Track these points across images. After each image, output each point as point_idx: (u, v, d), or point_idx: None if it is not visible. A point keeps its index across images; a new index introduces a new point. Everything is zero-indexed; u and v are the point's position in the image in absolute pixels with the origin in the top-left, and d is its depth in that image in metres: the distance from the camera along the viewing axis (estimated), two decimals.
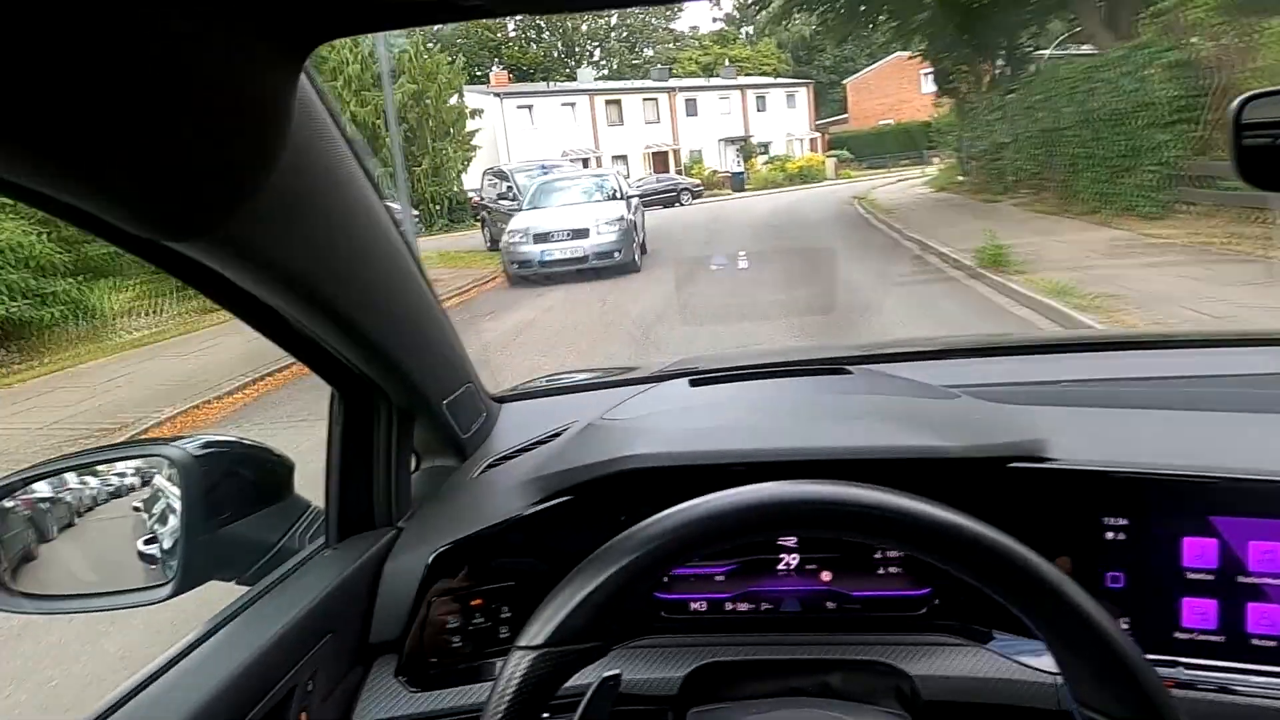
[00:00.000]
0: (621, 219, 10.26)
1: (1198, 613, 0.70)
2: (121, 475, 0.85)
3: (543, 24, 49.60)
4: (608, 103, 36.61)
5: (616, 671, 0.56)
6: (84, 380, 7.09)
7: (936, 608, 0.78)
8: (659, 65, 45.12)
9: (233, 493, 0.82)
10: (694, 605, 0.83)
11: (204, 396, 6.01)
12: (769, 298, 7.27)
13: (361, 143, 0.63)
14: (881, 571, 0.80)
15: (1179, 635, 0.71)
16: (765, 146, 39.40)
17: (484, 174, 17.07)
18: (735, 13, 55.39)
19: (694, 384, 1.05)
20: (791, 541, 0.81)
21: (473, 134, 26.77)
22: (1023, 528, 0.52)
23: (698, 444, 0.84)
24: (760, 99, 41.03)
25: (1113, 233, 8.53)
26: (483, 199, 15.78)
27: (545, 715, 0.49)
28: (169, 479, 0.81)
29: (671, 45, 54.72)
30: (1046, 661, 0.69)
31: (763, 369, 1.09)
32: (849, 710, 0.70)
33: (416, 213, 20.64)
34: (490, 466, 1.00)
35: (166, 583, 0.76)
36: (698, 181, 30.20)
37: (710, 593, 0.82)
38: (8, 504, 0.78)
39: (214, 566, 0.79)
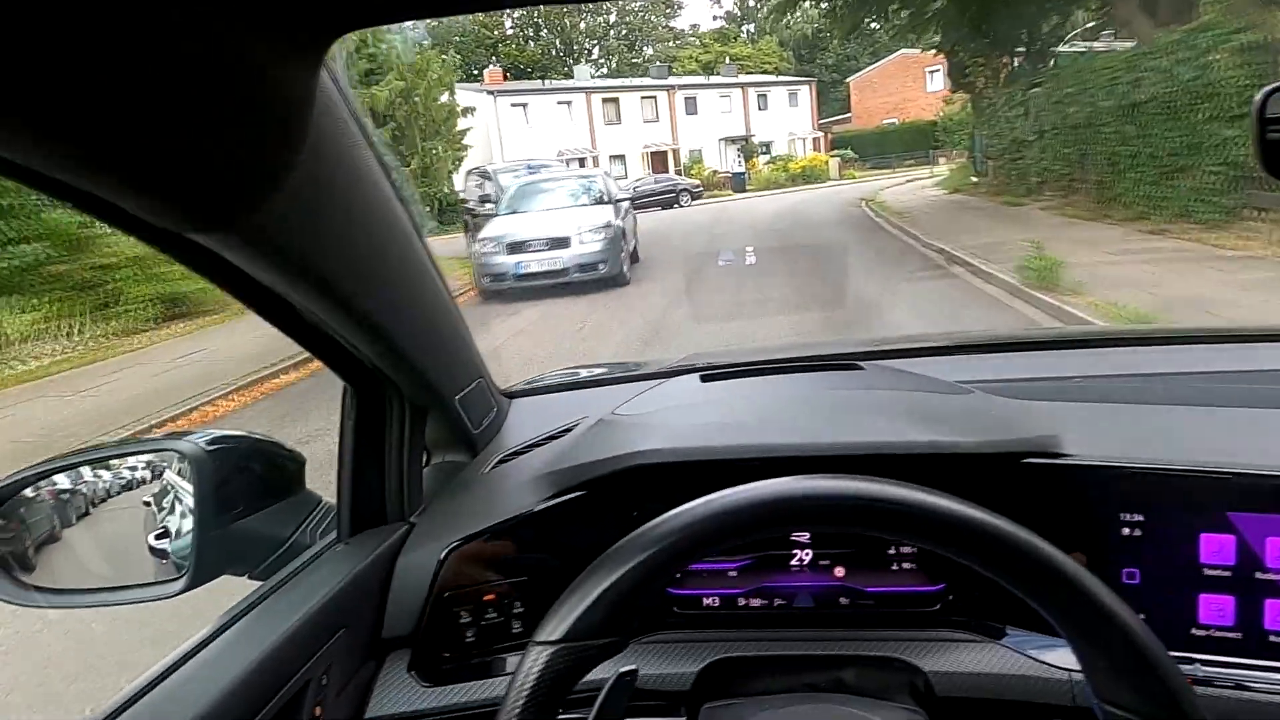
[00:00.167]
0: (608, 226, 9.07)
1: (1215, 609, 0.70)
2: (132, 469, 0.85)
3: (541, 21, 48.96)
4: (605, 101, 35.75)
5: (633, 666, 0.57)
6: None
7: (950, 603, 0.77)
8: (658, 63, 44.20)
9: (244, 488, 0.82)
10: (707, 601, 0.82)
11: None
12: (779, 320, 6.21)
13: (381, 138, 0.61)
14: (895, 568, 0.79)
15: (1196, 632, 0.71)
16: (767, 146, 38.66)
17: (467, 174, 16.08)
18: (737, 10, 55.18)
19: (705, 379, 1.04)
20: (805, 537, 0.80)
21: (464, 133, 25.85)
22: (1038, 524, 0.51)
23: (711, 439, 0.83)
24: (762, 97, 40.20)
25: (1174, 243, 7.42)
26: (465, 201, 14.74)
27: (562, 710, 0.50)
28: (179, 474, 0.82)
29: (672, 43, 54.17)
30: (1060, 657, 0.69)
31: (774, 364, 1.09)
32: (864, 705, 0.69)
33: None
34: (501, 462, 0.99)
35: (179, 577, 0.76)
36: (697, 182, 29.49)
37: (723, 588, 0.82)
38: (29, 493, 0.79)
39: (226, 561, 0.79)
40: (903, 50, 41.75)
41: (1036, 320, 5.71)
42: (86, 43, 0.32)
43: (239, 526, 0.79)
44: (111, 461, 0.86)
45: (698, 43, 53.26)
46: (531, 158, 19.91)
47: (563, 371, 1.42)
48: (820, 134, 40.71)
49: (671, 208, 25.76)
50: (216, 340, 8.07)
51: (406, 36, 23.01)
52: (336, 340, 0.72)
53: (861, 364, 1.04)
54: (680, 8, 54.98)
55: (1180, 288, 5.60)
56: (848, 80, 44.38)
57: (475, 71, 36.23)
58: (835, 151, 36.31)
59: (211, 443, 0.80)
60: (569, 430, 1.00)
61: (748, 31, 56.13)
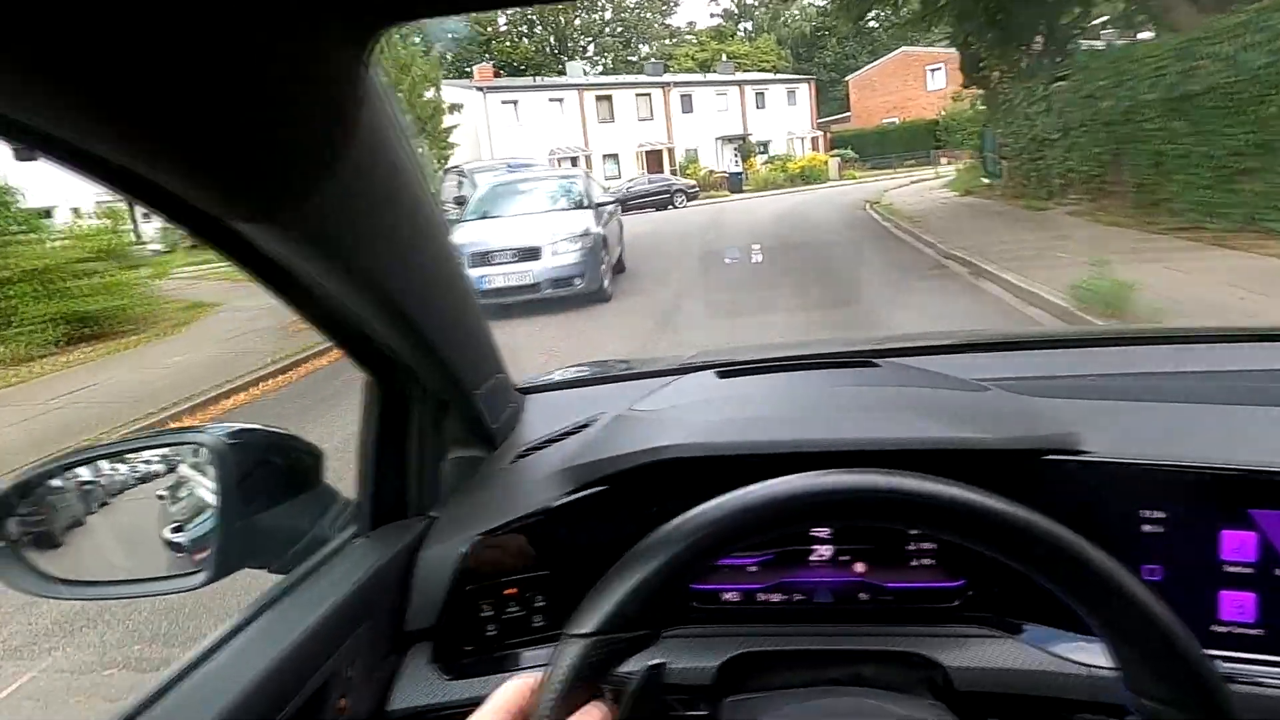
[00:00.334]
0: (586, 234, 7.89)
1: (1236, 606, 0.70)
2: (147, 463, 0.85)
3: (535, 18, 47.90)
4: (598, 99, 34.81)
5: (661, 660, 0.57)
6: None
7: (970, 599, 0.77)
8: (653, 60, 43.21)
9: (265, 481, 0.81)
10: (726, 595, 0.82)
11: None
12: (787, 341, 5.11)
13: (412, 131, 0.47)
14: (915, 563, 0.78)
15: (1217, 628, 0.70)
16: (764, 145, 37.88)
17: (444, 173, 15.00)
18: (734, 7, 54.29)
19: (722, 375, 1.04)
20: (825, 533, 0.80)
21: (450, 130, 24.77)
22: (1058, 520, 0.52)
23: (734, 434, 0.83)
24: (759, 96, 39.34)
25: (1262, 262, 6.22)
26: (443, 202, 13.65)
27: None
28: (195, 467, 0.83)
29: (668, 41, 53.41)
30: (1079, 652, 0.70)
31: (790, 361, 1.09)
32: (885, 699, 0.70)
33: None
34: (519, 457, 0.98)
35: (200, 570, 0.76)
36: (693, 182, 28.67)
37: (743, 583, 0.81)
38: (57, 483, 0.80)
39: (247, 554, 0.78)
40: (903, 48, 41.35)
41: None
42: (147, 31, 0.34)
43: (260, 520, 0.79)
44: (132, 455, 0.85)
45: (694, 40, 52.64)
46: (513, 157, 18.86)
47: (575, 368, 1.38)
48: (819, 133, 39.96)
49: (666, 209, 25.11)
50: (119, 371, 7.02)
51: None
52: (363, 332, 0.73)
53: (876, 361, 1.03)
54: (676, 5, 54.14)
55: None
56: (847, 79, 43.77)
57: (466, 69, 35.15)
58: (835, 151, 35.61)
59: (233, 435, 0.79)
60: (586, 426, 0.99)
61: (745, 29, 55.69)
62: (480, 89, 31.39)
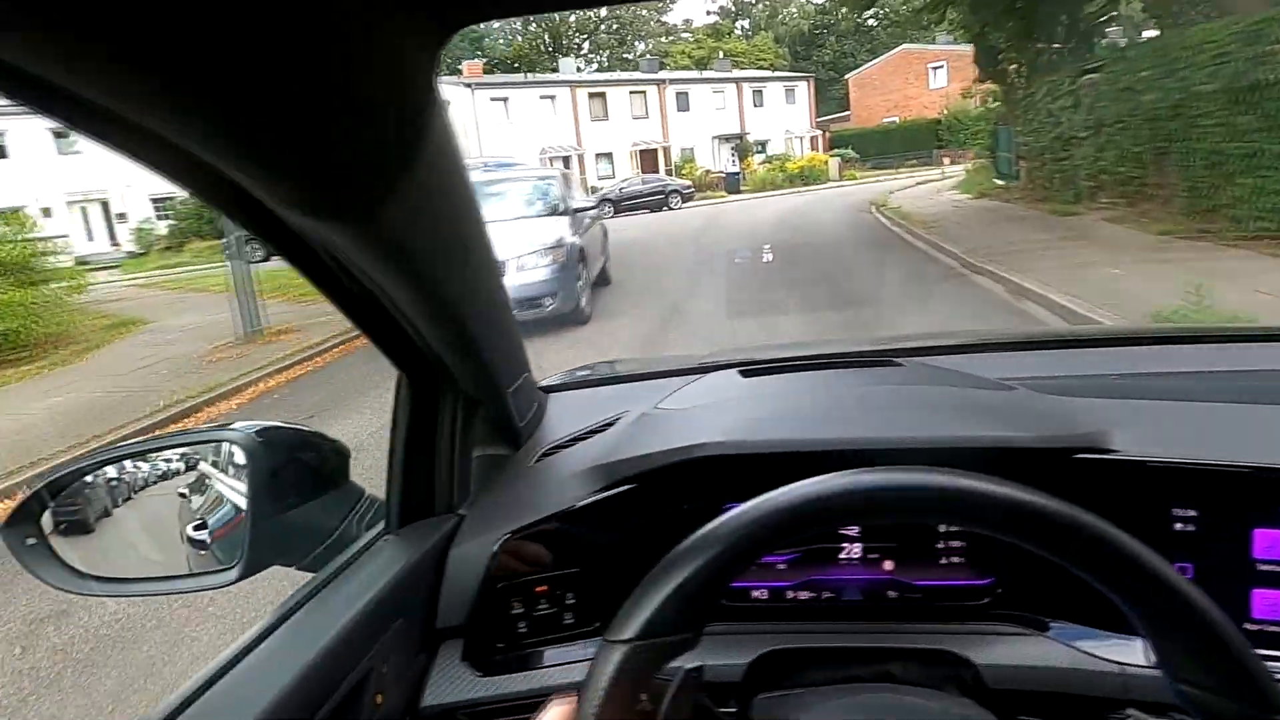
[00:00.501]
0: (559, 245, 6.72)
1: (1268, 604, 0.70)
2: (168, 461, 0.86)
3: (530, 15, 46.68)
4: (591, 96, 33.75)
5: (699, 663, 0.56)
6: None
7: (1000, 597, 0.77)
8: (648, 57, 42.22)
9: (294, 478, 0.82)
10: (755, 594, 0.82)
11: None
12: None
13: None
14: (944, 561, 0.78)
15: (1249, 626, 0.71)
16: (762, 145, 36.92)
17: None
18: (731, 5, 53.40)
19: (745, 374, 1.04)
20: (854, 531, 0.80)
21: None
22: None
23: (764, 433, 0.83)
24: (757, 93, 38.35)
25: None
26: None
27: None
28: (215, 464, 0.83)
29: (664, 39, 52.46)
30: (1110, 650, 0.70)
31: (814, 360, 1.09)
32: (923, 696, 0.69)
33: None
34: (545, 455, 0.98)
35: (232, 566, 0.76)
36: (688, 183, 27.68)
37: (772, 580, 0.81)
38: (89, 479, 0.80)
39: (277, 552, 0.79)
40: (904, 46, 40.63)
41: None
42: (237, 30, 0.34)
43: (289, 517, 0.79)
44: (158, 453, 0.85)
45: (691, 38, 51.70)
46: (493, 156, 17.73)
47: (596, 366, 1.39)
48: (818, 132, 39.01)
49: (660, 210, 24.21)
50: None
51: None
52: (403, 331, 0.73)
53: (899, 360, 1.03)
54: (673, 2, 53.10)
55: None
56: (846, 77, 42.92)
57: (455, 65, 34.05)
58: (835, 151, 34.69)
59: (262, 433, 0.79)
60: (610, 424, 0.99)
61: (742, 27, 54.81)
62: (469, 85, 30.39)
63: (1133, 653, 0.67)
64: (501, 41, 47.00)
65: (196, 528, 0.83)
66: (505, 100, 31.15)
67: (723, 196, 27.82)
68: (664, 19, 53.82)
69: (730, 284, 8.19)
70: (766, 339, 5.60)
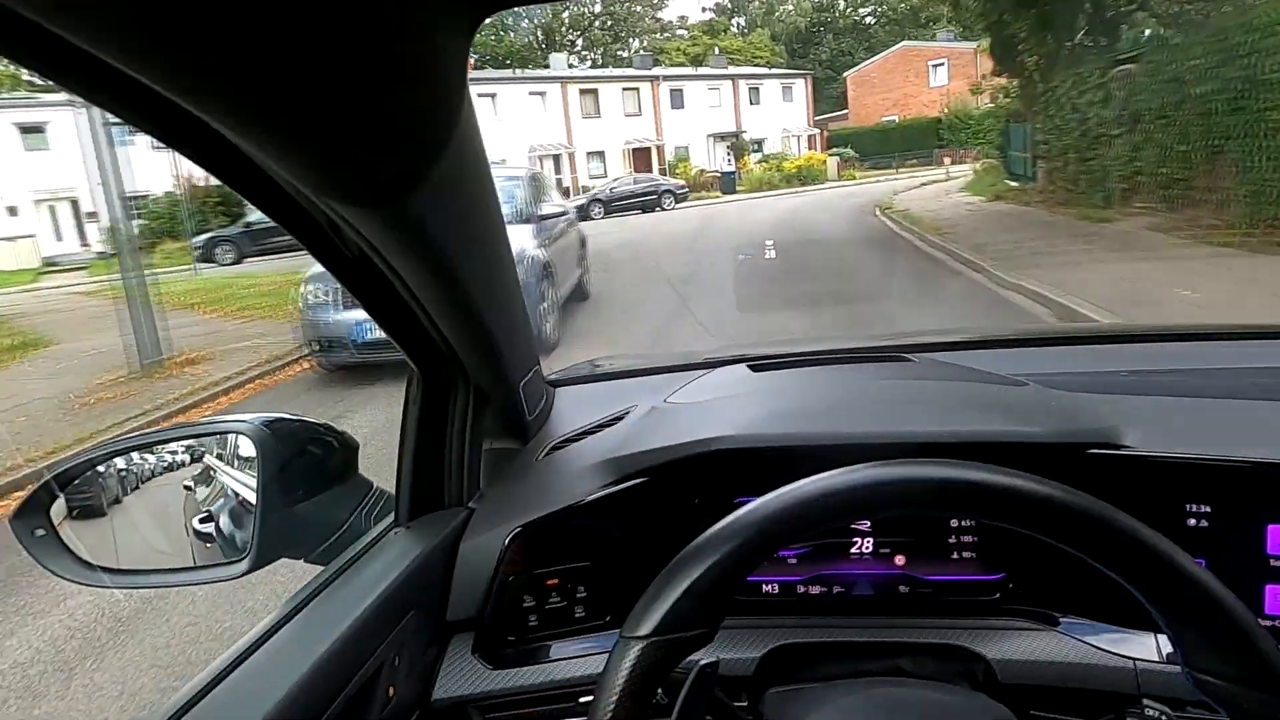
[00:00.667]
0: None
1: None
2: (173, 453, 0.86)
3: (522, 11, 45.78)
4: (583, 92, 32.69)
5: (714, 659, 0.57)
6: None
7: (1011, 592, 0.77)
8: (642, 53, 41.21)
9: (304, 471, 0.82)
10: (766, 588, 0.82)
11: None
12: None
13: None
14: (955, 556, 0.78)
15: (1263, 622, 0.70)
16: (759, 143, 35.86)
17: None
18: (727, 1, 52.46)
19: (754, 369, 1.04)
20: (865, 525, 0.80)
21: None
22: None
23: (777, 428, 0.83)
24: (754, 91, 37.35)
25: None
26: None
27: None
28: (220, 457, 0.83)
29: (659, 35, 51.51)
30: (1120, 644, 0.70)
31: (823, 355, 1.09)
32: (934, 690, 0.70)
33: None
34: (554, 449, 0.98)
35: (241, 559, 0.76)
36: (682, 183, 26.64)
37: (783, 575, 0.82)
38: (101, 469, 0.80)
39: (286, 544, 0.78)
40: (904, 43, 39.87)
41: None
42: (273, 16, 0.35)
43: (298, 510, 0.79)
44: (165, 444, 0.85)
45: (686, 35, 50.77)
46: None
47: (603, 360, 1.37)
48: (816, 131, 37.95)
49: (653, 211, 23.22)
50: None
51: None
52: (418, 322, 0.73)
53: (909, 356, 1.02)
54: None
55: None
56: (844, 75, 41.98)
57: None
58: (833, 150, 33.70)
59: (270, 425, 0.78)
60: (620, 419, 0.98)
61: (738, 25, 54.03)
62: None
63: (1144, 647, 0.67)
64: (493, 38, 46.01)
65: (203, 520, 0.83)
66: (493, 96, 30.04)
67: (718, 197, 26.85)
68: (659, 15, 52.93)
69: (726, 303, 7.11)
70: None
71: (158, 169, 19.69)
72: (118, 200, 6.37)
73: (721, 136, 35.30)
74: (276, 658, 0.61)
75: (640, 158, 32.65)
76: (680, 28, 53.06)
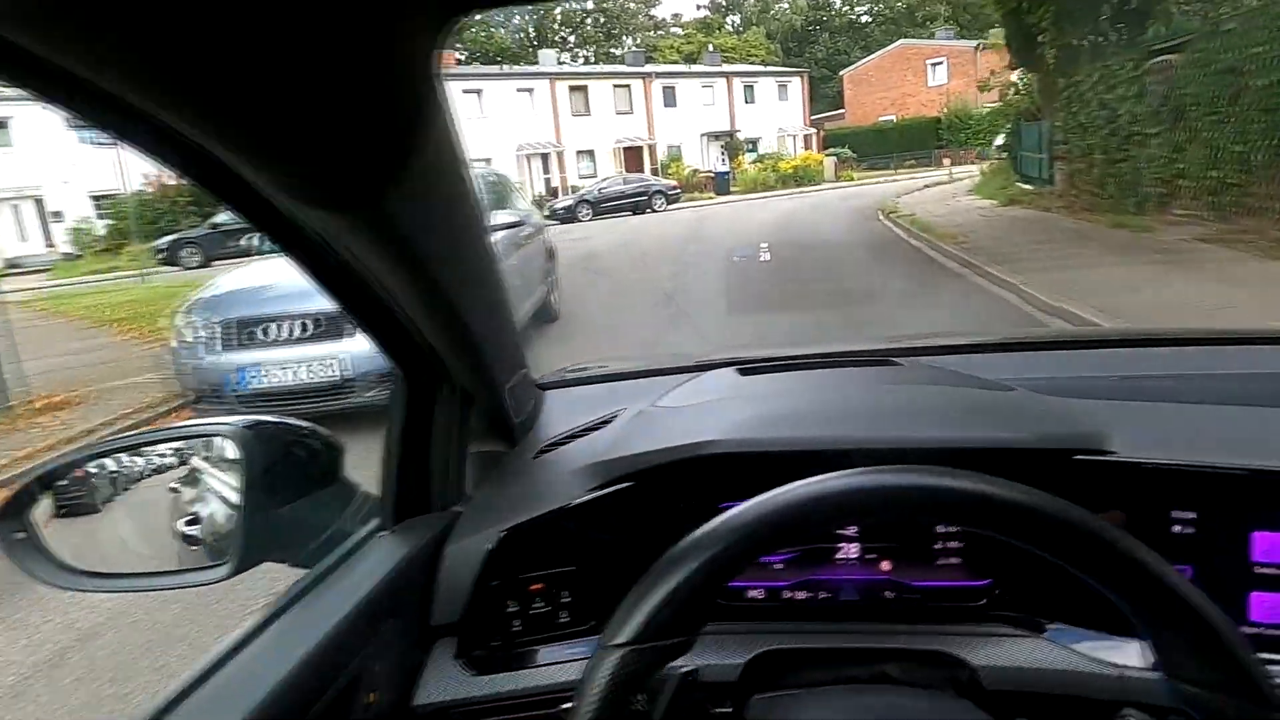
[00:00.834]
0: None
1: (1266, 607, 0.70)
2: (161, 455, 0.85)
3: (515, 9, 44.69)
4: (572, 89, 31.65)
5: (693, 666, 0.57)
6: None
7: (997, 598, 0.77)
8: (634, 49, 40.22)
9: (289, 473, 0.81)
10: (751, 593, 0.81)
11: None
12: None
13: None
14: (941, 562, 0.78)
15: (1246, 629, 0.70)
16: (753, 143, 34.92)
17: None
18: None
19: (743, 373, 1.03)
20: (851, 531, 0.79)
21: None
22: None
23: (764, 432, 0.82)
24: (748, 89, 36.42)
25: None
26: None
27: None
28: (207, 459, 0.82)
29: (652, 33, 50.59)
30: (1106, 651, 0.70)
31: (812, 359, 1.09)
32: (916, 697, 0.70)
33: None
34: (542, 452, 0.96)
35: (224, 562, 0.75)
36: (674, 183, 25.70)
37: (768, 580, 0.81)
38: (82, 472, 0.80)
39: (269, 548, 0.78)
40: (902, 41, 39.02)
41: None
42: (235, 16, 0.35)
43: (282, 513, 0.78)
44: (151, 447, 0.85)
45: (680, 33, 49.88)
46: None
47: (593, 364, 1.34)
48: (812, 131, 37.05)
49: (644, 212, 22.32)
50: None
51: None
52: (400, 325, 0.73)
53: (898, 360, 1.03)
54: None
55: None
56: (841, 74, 41.15)
57: None
58: (830, 150, 32.81)
59: (254, 427, 0.78)
60: (607, 422, 0.97)
61: (733, 23, 53.21)
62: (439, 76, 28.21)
63: (1129, 655, 0.68)
64: (482, 35, 44.95)
65: (188, 523, 0.83)
66: (479, 93, 28.97)
67: (711, 198, 25.90)
68: (653, 12, 51.98)
69: (719, 326, 6.07)
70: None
71: (129, 167, 18.61)
72: None
73: (715, 136, 34.36)
74: (254, 663, 0.60)
75: (631, 157, 31.65)
76: (674, 25, 52.29)
